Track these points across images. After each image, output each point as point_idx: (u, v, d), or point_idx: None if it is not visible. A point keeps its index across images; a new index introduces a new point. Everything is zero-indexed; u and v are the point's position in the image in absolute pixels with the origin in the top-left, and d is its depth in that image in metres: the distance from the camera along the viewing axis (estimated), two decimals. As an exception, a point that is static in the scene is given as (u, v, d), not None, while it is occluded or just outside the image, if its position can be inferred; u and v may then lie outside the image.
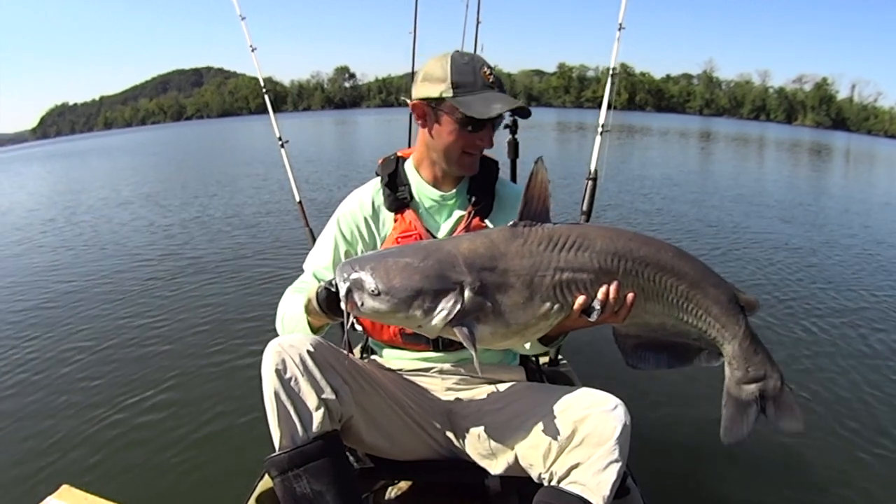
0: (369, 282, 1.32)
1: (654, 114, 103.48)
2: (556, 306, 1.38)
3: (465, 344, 1.32)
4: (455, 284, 1.32)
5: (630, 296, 1.38)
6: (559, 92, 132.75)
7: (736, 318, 1.43)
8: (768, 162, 24.00)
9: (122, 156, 32.06)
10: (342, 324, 1.39)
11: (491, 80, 1.65)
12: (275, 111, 3.64)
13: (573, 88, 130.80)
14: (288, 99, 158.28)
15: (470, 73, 1.64)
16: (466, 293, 1.32)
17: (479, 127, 1.66)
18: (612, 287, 1.37)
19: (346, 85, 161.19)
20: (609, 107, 3.05)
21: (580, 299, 1.37)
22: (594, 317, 1.38)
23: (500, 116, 1.68)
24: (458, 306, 1.32)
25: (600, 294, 1.37)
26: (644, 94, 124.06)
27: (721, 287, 1.44)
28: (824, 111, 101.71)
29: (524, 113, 1.71)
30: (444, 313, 1.32)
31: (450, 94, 1.63)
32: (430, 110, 1.70)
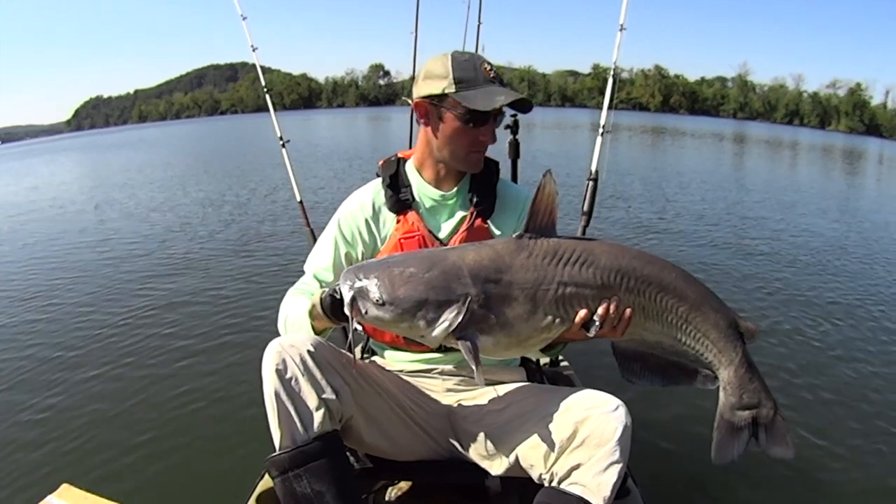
0: (374, 291, 1.33)
1: (687, 116, 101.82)
2: (557, 320, 1.39)
3: (466, 358, 1.33)
4: (459, 296, 1.33)
5: (628, 312, 1.40)
6: (593, 93, 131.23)
7: (734, 344, 1.44)
8: (801, 167, 23.68)
9: (152, 149, 32.53)
10: (345, 327, 1.40)
11: (492, 74, 1.67)
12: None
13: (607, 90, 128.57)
14: (322, 95, 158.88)
15: (471, 69, 1.66)
16: (470, 305, 1.33)
17: (482, 122, 1.67)
18: (613, 304, 1.38)
19: (381, 83, 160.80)
20: (609, 107, 3.03)
21: (581, 314, 1.39)
22: (592, 331, 1.39)
23: (501, 113, 1.70)
24: (462, 318, 1.32)
25: (600, 310, 1.38)
26: (678, 97, 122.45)
27: (721, 312, 1.45)
28: (858, 117, 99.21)
29: (525, 106, 1.73)
30: (446, 324, 1.33)
31: (452, 89, 1.65)
32: (432, 108, 1.71)
